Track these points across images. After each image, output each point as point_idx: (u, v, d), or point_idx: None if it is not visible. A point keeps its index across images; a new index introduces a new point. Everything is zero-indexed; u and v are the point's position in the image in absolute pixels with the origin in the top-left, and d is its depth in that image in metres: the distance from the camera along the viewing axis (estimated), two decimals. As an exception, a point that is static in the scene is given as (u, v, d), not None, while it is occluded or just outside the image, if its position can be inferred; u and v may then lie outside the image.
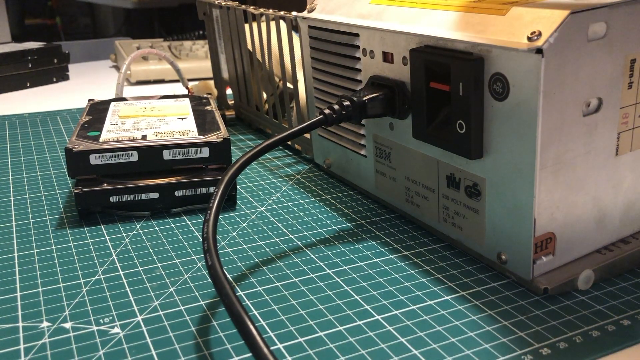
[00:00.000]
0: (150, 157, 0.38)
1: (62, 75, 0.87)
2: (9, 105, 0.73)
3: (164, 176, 0.39)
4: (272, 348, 0.25)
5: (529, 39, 0.25)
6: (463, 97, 0.28)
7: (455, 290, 0.30)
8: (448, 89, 0.29)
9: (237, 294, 0.30)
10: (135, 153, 0.38)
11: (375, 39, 0.35)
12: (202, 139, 0.39)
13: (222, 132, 0.40)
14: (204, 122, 0.43)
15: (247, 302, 0.29)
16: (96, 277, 0.32)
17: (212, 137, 0.39)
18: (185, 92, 0.64)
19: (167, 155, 0.39)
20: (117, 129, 0.41)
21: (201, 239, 0.35)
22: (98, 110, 0.46)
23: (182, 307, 0.29)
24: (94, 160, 0.38)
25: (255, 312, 0.28)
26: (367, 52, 0.36)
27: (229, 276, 0.32)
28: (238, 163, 0.31)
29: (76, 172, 0.38)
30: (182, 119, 0.43)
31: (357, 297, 0.29)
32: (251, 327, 0.22)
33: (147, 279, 0.31)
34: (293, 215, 0.39)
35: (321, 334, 0.26)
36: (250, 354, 0.25)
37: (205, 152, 0.39)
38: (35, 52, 0.83)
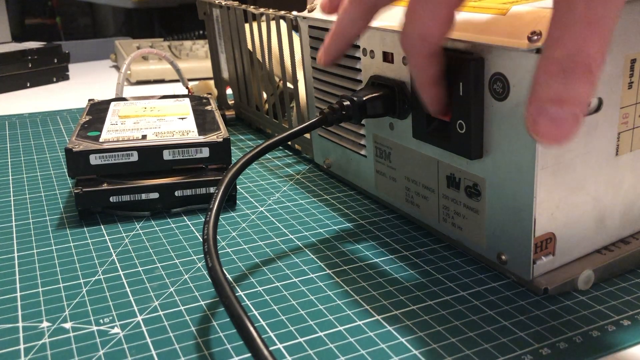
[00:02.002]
0: (150, 157, 0.38)
1: (62, 75, 0.87)
2: (9, 105, 0.73)
3: (164, 176, 0.39)
4: (272, 348, 0.25)
5: (529, 39, 0.25)
6: (463, 97, 0.28)
7: (455, 291, 0.30)
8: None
9: (237, 294, 0.30)
10: (135, 153, 0.38)
11: (375, 39, 0.35)
12: (202, 139, 0.39)
13: (222, 132, 0.40)
14: (204, 122, 0.43)
15: (247, 302, 0.29)
16: (96, 277, 0.32)
17: (212, 137, 0.39)
18: (185, 92, 0.64)
19: (167, 155, 0.39)
20: (117, 129, 0.41)
21: (201, 240, 0.35)
22: (98, 110, 0.46)
23: (182, 307, 0.29)
24: (94, 160, 0.38)
25: (255, 312, 0.28)
26: (367, 52, 0.36)
27: (229, 277, 0.32)
28: (238, 164, 0.31)
29: (76, 172, 0.38)
30: (182, 119, 0.43)
31: (357, 297, 0.29)
32: (251, 328, 0.22)
33: (147, 279, 0.31)
34: (293, 215, 0.39)
35: (321, 334, 0.26)
36: (250, 354, 0.25)
37: (205, 152, 0.39)
38: (35, 52, 0.83)
